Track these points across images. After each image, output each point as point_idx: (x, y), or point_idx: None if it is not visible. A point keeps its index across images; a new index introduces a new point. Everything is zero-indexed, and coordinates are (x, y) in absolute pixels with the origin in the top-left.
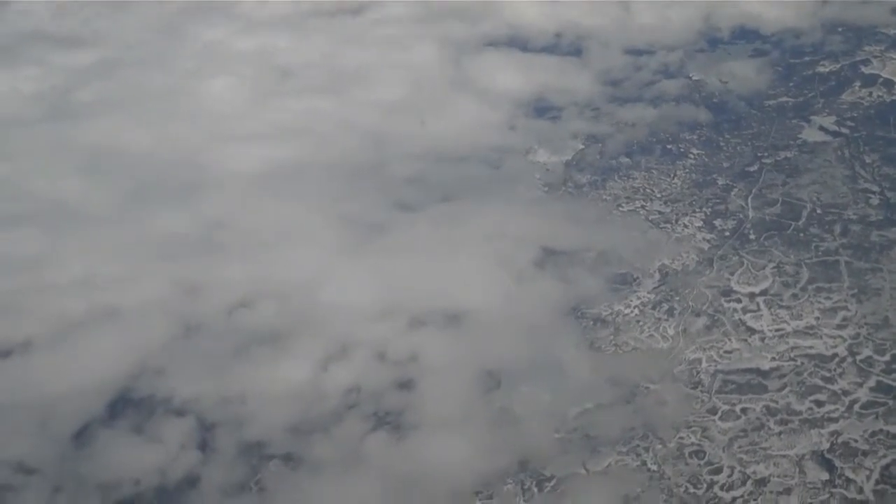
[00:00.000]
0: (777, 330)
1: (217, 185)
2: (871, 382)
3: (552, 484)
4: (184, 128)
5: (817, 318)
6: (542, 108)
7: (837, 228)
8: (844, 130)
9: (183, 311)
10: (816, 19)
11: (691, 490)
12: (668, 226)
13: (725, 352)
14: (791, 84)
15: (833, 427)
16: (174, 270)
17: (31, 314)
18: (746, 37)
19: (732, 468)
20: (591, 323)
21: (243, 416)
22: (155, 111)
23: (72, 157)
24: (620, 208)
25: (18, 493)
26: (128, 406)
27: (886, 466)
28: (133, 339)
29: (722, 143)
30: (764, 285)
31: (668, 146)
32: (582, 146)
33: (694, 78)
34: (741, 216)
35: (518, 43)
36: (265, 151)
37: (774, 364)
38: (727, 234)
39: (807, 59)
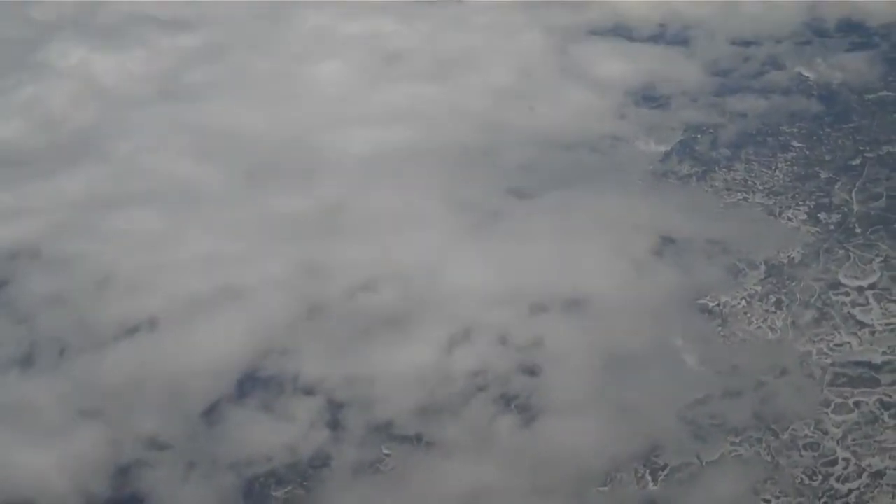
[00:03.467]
0: (887, 324)
1: (332, 167)
2: None
3: (666, 473)
4: (295, 111)
5: None
6: (651, 97)
7: None
8: None
9: (306, 292)
10: None
11: (807, 482)
12: (772, 218)
13: (836, 345)
14: (891, 78)
15: None
16: (295, 252)
17: (155, 292)
18: (853, 29)
19: (847, 460)
20: (700, 313)
21: (371, 397)
22: (265, 94)
23: (186, 138)
24: (724, 199)
25: (154, 468)
26: (256, 385)
27: None
28: (257, 318)
29: (823, 137)
30: (872, 279)
31: (769, 138)
32: (682, 136)
33: (799, 70)
34: (846, 210)
35: (622, 32)
36: (377, 135)
37: (886, 358)
38: (832, 227)
39: None
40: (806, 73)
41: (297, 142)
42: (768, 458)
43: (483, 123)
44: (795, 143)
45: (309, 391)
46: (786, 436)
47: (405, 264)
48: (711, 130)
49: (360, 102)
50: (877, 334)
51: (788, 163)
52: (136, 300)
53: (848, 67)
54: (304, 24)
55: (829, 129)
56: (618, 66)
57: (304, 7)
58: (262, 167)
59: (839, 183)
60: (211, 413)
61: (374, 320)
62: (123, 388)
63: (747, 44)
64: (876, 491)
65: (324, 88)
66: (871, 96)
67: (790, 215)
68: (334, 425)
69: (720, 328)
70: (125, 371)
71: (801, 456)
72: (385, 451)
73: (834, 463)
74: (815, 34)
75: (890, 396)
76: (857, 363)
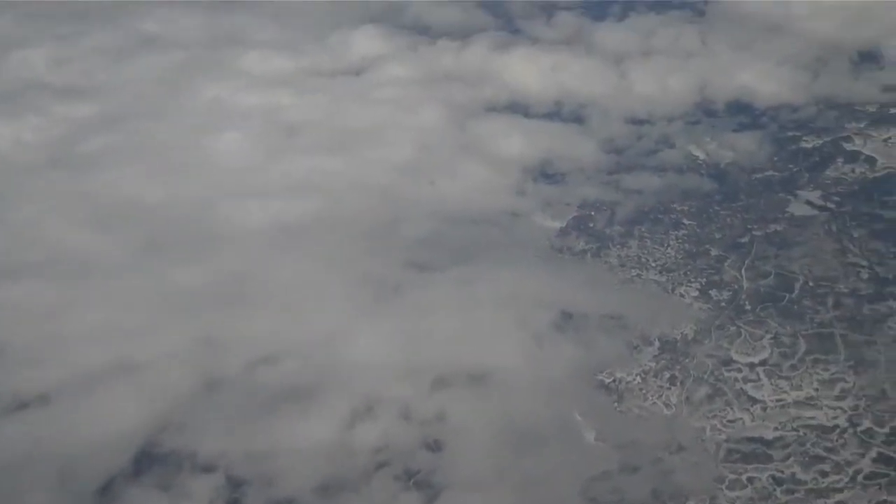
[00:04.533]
0: (778, 400)
1: (232, 239)
2: (873, 454)
3: None
4: (194, 181)
5: (816, 390)
6: (548, 174)
7: (830, 301)
8: (830, 205)
9: (204, 366)
10: (809, 94)
11: None
12: (666, 294)
13: (729, 421)
14: (776, 159)
15: (838, 497)
16: (193, 324)
17: (48, 365)
18: (741, 110)
19: None
20: (598, 388)
21: (272, 474)
22: (163, 164)
23: (81, 208)
24: (619, 276)
25: None
26: (153, 461)
27: None
28: (154, 392)
29: (713, 215)
30: (763, 355)
31: (661, 216)
32: (578, 212)
33: (691, 149)
34: (736, 287)
35: (519, 109)
36: (277, 207)
37: (778, 434)
38: (723, 304)
39: (790, 134)
40: (697, 153)
41: (196, 212)
42: None
43: (384, 197)
44: (687, 221)
45: (208, 468)
46: None
47: (306, 337)
48: (606, 207)
49: (260, 174)
50: (768, 410)
51: (680, 240)
52: (27, 374)
53: (737, 147)
54: (202, 95)
55: (718, 208)
56: (515, 142)
57: (201, 78)
58: (160, 238)
59: (729, 260)
60: (105, 491)
61: (275, 394)
62: (12, 467)
63: (641, 123)
64: None
65: (223, 159)
66: (758, 176)
67: (683, 292)
68: (234, 503)
69: (616, 404)
70: (15, 448)
71: None
72: None
73: None
74: (706, 115)
75: (782, 472)
76: (750, 439)
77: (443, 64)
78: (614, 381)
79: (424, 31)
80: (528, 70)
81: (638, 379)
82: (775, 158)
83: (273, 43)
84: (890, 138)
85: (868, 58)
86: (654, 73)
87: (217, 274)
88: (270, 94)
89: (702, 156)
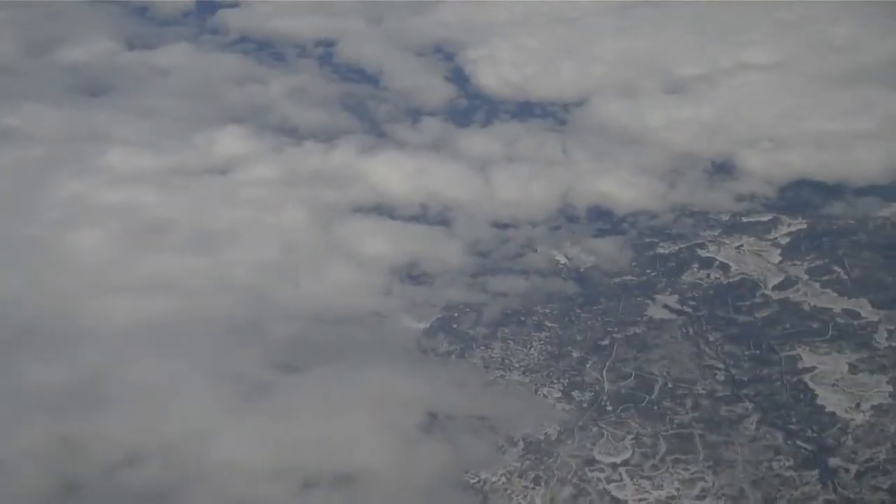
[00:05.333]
0: (640, 500)
1: (93, 337)
2: None
3: None
4: (53, 278)
5: (678, 489)
6: (414, 275)
7: (689, 402)
8: (687, 309)
9: (62, 468)
10: (666, 202)
11: None
12: (529, 395)
13: None
14: (635, 264)
15: None
16: (50, 424)
17: None
18: (601, 216)
19: None
20: (464, 490)
21: None
22: (21, 260)
23: None
24: (484, 377)
25: None
26: None
27: None
28: (7, 496)
29: (574, 318)
30: (625, 456)
31: (525, 318)
32: (443, 314)
33: (553, 253)
34: (597, 388)
35: (385, 210)
36: (140, 305)
37: None
38: (585, 405)
39: (648, 240)
40: (559, 257)
41: (55, 310)
42: None
43: (249, 297)
44: (549, 324)
45: None
46: None
47: (170, 438)
48: (472, 309)
49: (122, 272)
50: None
51: (543, 342)
52: None
53: (598, 252)
54: (63, 191)
55: (579, 311)
56: (382, 243)
57: (61, 174)
58: (17, 335)
59: (590, 362)
60: None
61: (137, 498)
62: None
63: (505, 226)
64: None
65: (84, 256)
66: (617, 280)
67: (546, 393)
68: None
69: None
70: None
71: None
72: None
73: None
74: (568, 220)
75: None
76: None
77: (309, 165)
78: (479, 481)
79: (290, 133)
80: (395, 173)
81: (503, 479)
82: (634, 263)
83: (137, 140)
84: (742, 246)
85: (721, 168)
86: (518, 179)
87: (77, 372)
88: (134, 192)
89: (564, 260)
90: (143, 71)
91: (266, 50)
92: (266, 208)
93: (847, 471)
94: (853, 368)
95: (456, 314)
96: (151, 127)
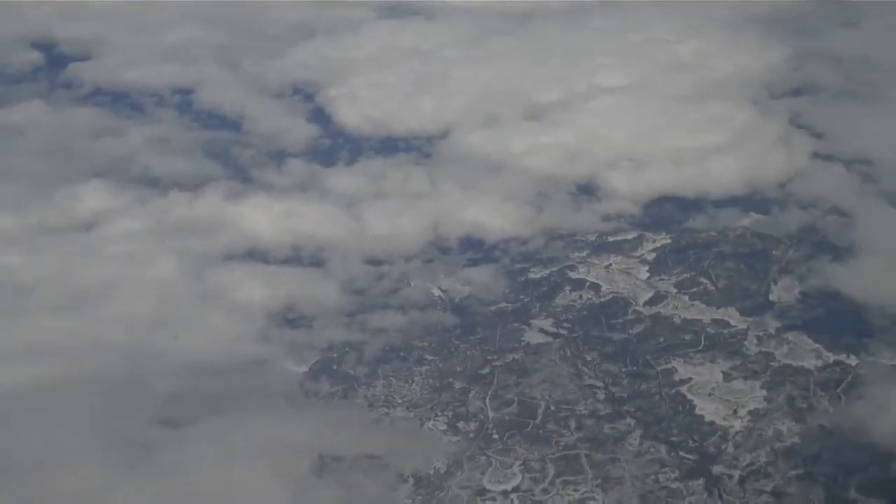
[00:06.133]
0: None
1: None
2: None
3: None
4: None
5: None
6: (294, 318)
7: (573, 423)
8: (563, 331)
9: None
10: (535, 227)
11: None
12: (415, 430)
13: None
14: (508, 290)
15: None
16: None
17: None
18: (472, 245)
19: None
20: None
21: None
22: None
23: None
24: (368, 415)
25: None
26: None
27: None
28: None
29: (453, 349)
30: (515, 482)
31: (403, 353)
32: (324, 355)
33: (426, 286)
34: (482, 417)
35: (258, 255)
36: (11, 370)
37: None
38: (471, 435)
39: (519, 266)
40: (434, 289)
41: None
42: None
43: (125, 354)
44: (429, 357)
45: None
46: None
47: None
48: (350, 349)
49: None
50: None
51: (424, 376)
52: None
53: (472, 281)
54: None
55: (457, 342)
56: (257, 289)
57: None
58: None
59: (473, 392)
60: None
61: None
62: None
63: (379, 263)
64: None
65: None
66: (493, 308)
67: (431, 426)
68: None
69: None
70: None
71: None
72: None
73: None
74: (440, 251)
75: None
76: None
77: (175, 215)
78: None
79: (154, 183)
80: (264, 217)
81: None
82: (507, 290)
83: None
84: (611, 265)
85: (585, 190)
86: (388, 215)
87: None
88: None
89: (438, 292)
90: None
91: (122, 101)
92: (135, 262)
93: (731, 477)
94: (727, 376)
95: (335, 355)
96: (9, 188)
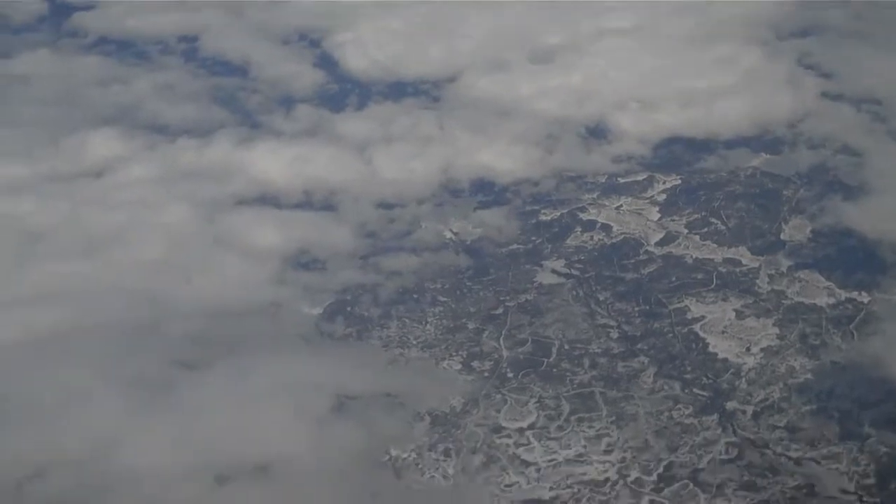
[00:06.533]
0: (550, 461)
1: None
2: (645, 501)
3: None
4: None
5: (584, 447)
6: (307, 262)
7: (586, 362)
8: (575, 272)
9: None
10: (546, 169)
11: None
12: (431, 370)
13: (506, 486)
14: (520, 232)
15: None
16: None
17: None
18: (483, 188)
19: None
20: (379, 468)
21: None
22: None
23: None
24: (383, 356)
25: None
26: None
27: None
28: None
29: (466, 290)
30: (530, 420)
31: (417, 295)
32: (338, 297)
33: (441, 228)
34: (496, 356)
35: (269, 200)
36: (27, 316)
37: (554, 493)
38: (486, 374)
39: (529, 208)
40: (446, 232)
41: None
42: None
43: (141, 298)
44: (442, 298)
45: None
46: None
47: (76, 449)
48: (365, 291)
49: (4, 285)
50: (542, 471)
51: (437, 317)
52: None
53: (484, 223)
54: None
55: (470, 283)
56: (270, 233)
57: None
58: None
59: (487, 332)
60: None
61: None
62: None
63: (391, 206)
64: None
65: None
66: (504, 250)
67: (446, 366)
68: None
69: (397, 481)
70: None
71: None
72: None
73: None
74: (451, 195)
75: None
76: (528, 501)
77: (185, 161)
78: (390, 459)
79: (162, 131)
80: (274, 162)
81: (414, 455)
82: (518, 232)
83: (4, 150)
84: (621, 206)
85: (595, 132)
86: (398, 159)
87: None
88: (7, 202)
89: (451, 234)
90: (3, 80)
91: (128, 50)
92: (147, 208)
93: (744, 413)
94: (740, 314)
95: (349, 297)
96: (18, 136)
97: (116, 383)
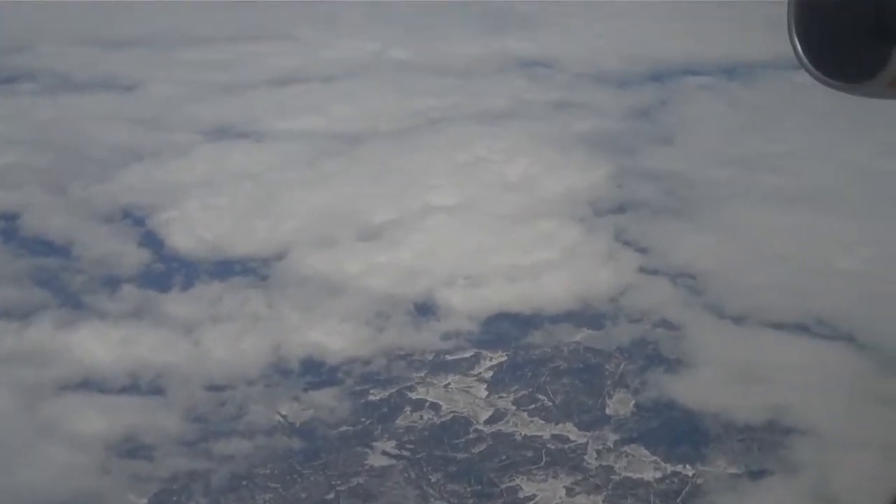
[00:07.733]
0: None
1: None
2: None
3: None
4: None
5: None
6: (133, 449)
7: None
8: (406, 453)
9: None
10: (376, 347)
11: None
12: None
13: None
14: (350, 413)
15: None
16: None
17: None
18: (314, 367)
19: None
20: None
21: None
22: None
23: None
24: None
25: None
26: None
27: None
28: None
29: (297, 475)
30: None
31: (244, 482)
32: (161, 488)
33: (273, 410)
34: None
35: (94, 385)
36: None
37: None
38: None
39: (359, 388)
40: (277, 414)
41: None
42: None
43: None
44: (272, 484)
45: None
46: None
47: None
48: (195, 478)
49: None
50: None
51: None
52: None
53: (315, 404)
54: None
55: (300, 467)
56: (94, 419)
57: None
58: None
59: None
60: None
61: None
62: None
63: (221, 388)
64: None
65: None
66: (335, 431)
67: None
68: None
69: None
70: None
71: None
72: None
73: None
74: (282, 375)
75: None
76: None
77: (4, 346)
78: None
79: None
80: (98, 345)
81: None
82: (349, 412)
83: None
84: (449, 384)
85: (424, 309)
86: (227, 339)
87: None
88: None
89: (280, 417)
90: None
91: None
92: None
93: None
94: (570, 492)
95: (176, 486)
96: None
97: None
